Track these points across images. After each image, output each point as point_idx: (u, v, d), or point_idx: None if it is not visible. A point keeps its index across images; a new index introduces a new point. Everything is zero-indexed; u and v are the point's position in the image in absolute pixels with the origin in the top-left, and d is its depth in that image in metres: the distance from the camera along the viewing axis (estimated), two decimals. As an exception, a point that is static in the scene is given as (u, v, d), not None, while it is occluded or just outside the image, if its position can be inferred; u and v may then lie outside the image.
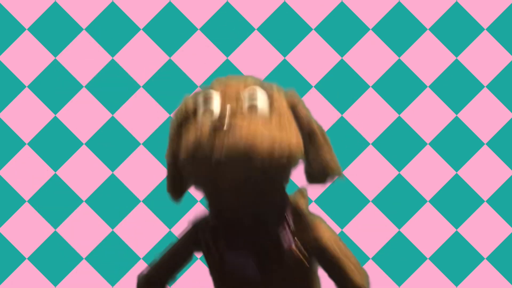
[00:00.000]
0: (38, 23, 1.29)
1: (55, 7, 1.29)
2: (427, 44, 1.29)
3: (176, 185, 0.83)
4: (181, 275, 1.26)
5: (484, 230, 1.27)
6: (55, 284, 1.28)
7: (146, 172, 1.28)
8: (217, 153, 0.71)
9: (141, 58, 1.29)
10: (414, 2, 1.29)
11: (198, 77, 1.29)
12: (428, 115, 1.28)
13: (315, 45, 1.29)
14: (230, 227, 0.79)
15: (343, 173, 0.80)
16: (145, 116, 1.29)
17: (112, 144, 1.29)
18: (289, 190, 0.86)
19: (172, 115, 0.84)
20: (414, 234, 1.27)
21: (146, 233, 1.28)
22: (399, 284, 1.27)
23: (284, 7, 1.29)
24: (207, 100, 0.77)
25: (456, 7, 1.29)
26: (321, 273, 0.87)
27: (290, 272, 0.79)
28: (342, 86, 1.29)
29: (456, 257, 1.27)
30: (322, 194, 1.28)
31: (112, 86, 1.29)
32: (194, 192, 1.29)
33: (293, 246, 0.78)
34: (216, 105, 0.76)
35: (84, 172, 1.28)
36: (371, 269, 1.28)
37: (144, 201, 1.28)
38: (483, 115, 1.28)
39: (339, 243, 0.81)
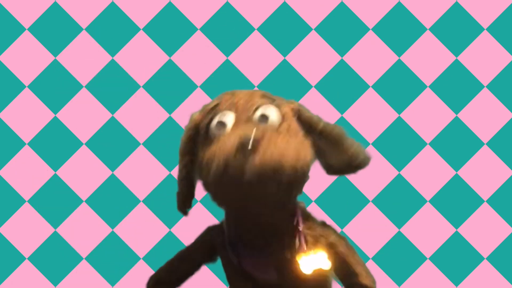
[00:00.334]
0: (38, 23, 1.29)
1: (55, 7, 1.29)
2: (427, 44, 1.29)
3: (187, 201, 0.83)
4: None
5: (484, 230, 1.27)
6: (55, 284, 1.28)
7: (146, 172, 1.28)
8: (248, 173, 0.71)
9: (141, 58, 1.29)
10: (414, 2, 1.29)
11: (198, 77, 1.29)
12: (428, 115, 1.28)
13: (315, 45, 1.29)
14: (247, 233, 0.81)
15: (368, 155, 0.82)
16: (145, 116, 1.29)
17: (112, 144, 1.29)
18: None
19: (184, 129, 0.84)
20: (414, 234, 1.27)
21: (146, 233, 1.28)
22: (399, 284, 1.27)
23: (284, 7, 1.29)
24: (221, 116, 0.77)
25: (456, 7, 1.29)
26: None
27: (304, 274, 0.80)
28: (342, 86, 1.29)
29: (456, 257, 1.27)
30: (322, 194, 1.28)
31: (112, 86, 1.29)
32: (197, 194, 1.29)
33: (307, 246, 0.80)
34: (230, 121, 0.77)
35: (84, 172, 1.28)
36: (371, 269, 1.28)
37: (144, 201, 1.28)
38: (483, 115, 1.28)
39: (347, 243, 0.84)
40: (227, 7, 1.29)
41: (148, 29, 1.29)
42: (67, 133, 1.29)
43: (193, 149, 0.81)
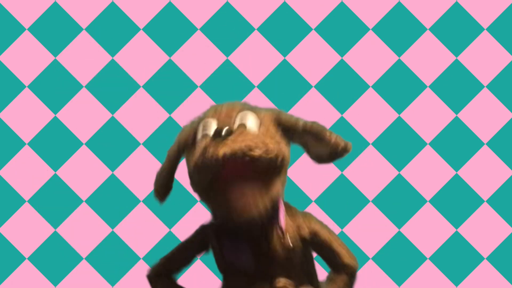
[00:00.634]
0: (38, 23, 1.29)
1: (55, 7, 1.29)
2: (427, 44, 1.29)
3: (166, 191, 0.94)
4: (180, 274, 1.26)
5: (484, 230, 1.27)
6: (55, 284, 1.28)
7: (146, 172, 1.28)
8: (221, 153, 0.80)
9: (141, 58, 1.29)
10: (414, 2, 1.29)
11: (198, 77, 1.29)
12: (428, 115, 1.28)
13: (315, 45, 1.29)
14: (229, 224, 0.87)
15: (349, 146, 0.88)
16: (145, 116, 1.29)
17: (112, 144, 1.29)
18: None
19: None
20: (414, 234, 1.27)
21: (146, 233, 1.28)
22: (399, 284, 1.27)
23: (284, 7, 1.29)
24: (205, 126, 0.86)
25: (456, 7, 1.29)
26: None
27: (284, 260, 0.87)
28: (342, 86, 1.29)
29: (456, 257, 1.27)
30: (322, 194, 1.28)
31: (112, 86, 1.29)
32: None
33: (285, 236, 0.87)
34: (213, 129, 0.85)
35: (84, 172, 1.28)
36: (371, 269, 1.28)
37: (144, 201, 1.28)
38: (483, 115, 1.28)
39: (329, 229, 0.90)
40: (227, 7, 1.29)
41: (148, 29, 1.29)
42: (67, 133, 1.29)
43: (184, 156, 0.90)
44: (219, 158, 0.80)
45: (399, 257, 1.27)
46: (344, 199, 1.28)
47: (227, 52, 1.29)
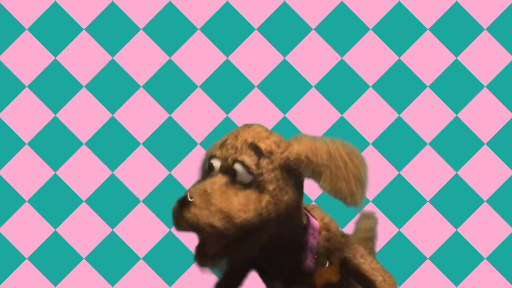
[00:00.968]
0: (38, 23, 1.29)
1: (55, 7, 1.29)
2: (427, 44, 1.29)
3: None
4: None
5: (484, 230, 1.28)
6: (55, 284, 1.28)
7: (146, 172, 1.28)
8: (180, 223, 0.81)
9: (141, 58, 1.29)
10: (414, 2, 1.29)
11: (198, 77, 1.29)
12: (428, 115, 1.28)
13: (315, 45, 1.29)
14: (265, 250, 0.88)
15: (360, 202, 0.88)
16: (145, 116, 1.29)
17: (112, 144, 1.29)
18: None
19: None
20: (414, 234, 1.28)
21: (146, 233, 1.28)
22: (399, 284, 1.27)
23: (284, 7, 1.29)
24: (213, 161, 0.86)
25: (456, 7, 1.29)
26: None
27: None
28: (342, 86, 1.29)
29: (456, 257, 1.27)
30: (322, 194, 1.28)
31: (112, 86, 1.29)
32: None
33: (312, 266, 0.89)
34: (217, 166, 0.85)
35: (84, 172, 1.28)
36: (371, 269, 1.28)
37: (144, 201, 1.28)
38: (483, 115, 1.28)
39: (363, 252, 0.91)
40: (227, 7, 1.29)
41: (148, 29, 1.29)
42: (67, 133, 1.29)
43: None
44: (181, 229, 0.82)
45: (399, 257, 1.27)
46: (344, 199, 1.28)
47: (227, 52, 1.29)
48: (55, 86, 1.29)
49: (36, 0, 1.29)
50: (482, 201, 1.28)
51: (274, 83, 1.29)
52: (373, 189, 1.28)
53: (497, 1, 1.29)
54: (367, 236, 1.02)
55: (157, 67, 1.29)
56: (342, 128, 1.28)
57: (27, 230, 1.28)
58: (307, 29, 1.29)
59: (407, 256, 1.28)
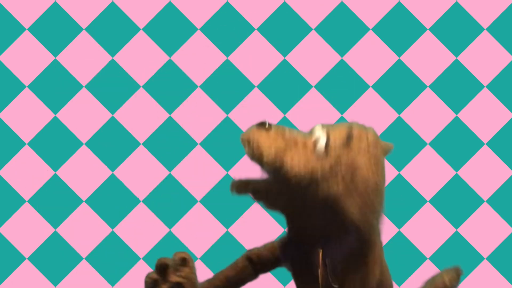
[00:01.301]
0: (38, 23, 1.29)
1: (55, 7, 1.29)
2: (427, 44, 1.29)
3: None
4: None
5: (484, 230, 1.27)
6: (55, 284, 1.28)
7: (146, 172, 1.28)
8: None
9: (141, 58, 1.29)
10: (414, 2, 1.29)
11: (198, 77, 1.29)
12: (428, 115, 1.28)
13: (315, 45, 1.29)
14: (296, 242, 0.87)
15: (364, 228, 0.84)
16: (145, 116, 1.29)
17: (112, 144, 1.29)
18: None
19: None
20: (414, 234, 1.27)
21: (146, 233, 1.28)
22: (399, 284, 1.27)
23: (284, 7, 1.29)
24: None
25: (456, 7, 1.29)
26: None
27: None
28: (342, 86, 1.29)
29: (456, 257, 1.27)
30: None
31: (112, 86, 1.29)
32: (197, 194, 1.30)
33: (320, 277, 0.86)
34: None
35: (84, 172, 1.28)
36: (371, 269, 1.28)
37: (144, 201, 1.28)
38: (483, 115, 1.28)
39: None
40: (227, 7, 1.29)
41: (148, 29, 1.29)
42: (67, 133, 1.29)
43: None
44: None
45: (399, 257, 1.27)
46: (344, 199, 1.28)
47: (227, 52, 1.29)
48: (55, 86, 1.29)
49: (36, 0, 1.29)
50: (482, 201, 1.28)
51: (274, 83, 1.29)
52: (373, 189, 1.28)
53: (497, 1, 1.29)
54: None
55: (157, 67, 1.29)
56: (342, 128, 1.28)
57: (27, 230, 1.28)
58: (307, 29, 1.29)
59: (407, 256, 1.28)
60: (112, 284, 1.28)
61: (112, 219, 1.28)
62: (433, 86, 1.29)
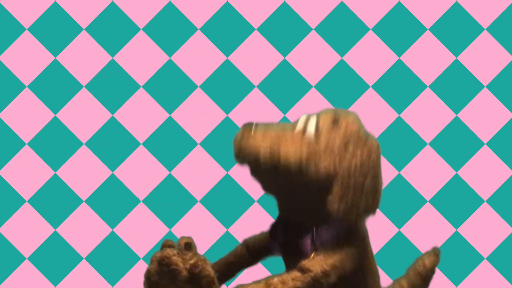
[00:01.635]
0: (38, 23, 1.29)
1: (55, 7, 1.29)
2: (427, 44, 1.29)
3: None
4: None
5: (484, 230, 1.27)
6: (55, 284, 1.28)
7: (146, 172, 1.28)
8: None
9: (141, 58, 1.29)
10: (414, 2, 1.29)
11: (198, 77, 1.29)
12: (428, 115, 1.28)
13: (315, 45, 1.29)
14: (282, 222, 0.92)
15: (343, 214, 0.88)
16: (145, 116, 1.29)
17: (112, 144, 1.29)
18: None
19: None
20: (414, 234, 1.28)
21: (146, 233, 1.28)
22: (399, 284, 1.27)
23: (284, 7, 1.29)
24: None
25: (456, 7, 1.29)
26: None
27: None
28: (342, 86, 1.29)
29: (456, 257, 1.27)
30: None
31: (112, 86, 1.29)
32: (197, 194, 1.30)
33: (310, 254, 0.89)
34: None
35: (84, 172, 1.28)
36: (371, 269, 1.28)
37: (144, 201, 1.28)
38: (483, 115, 1.28)
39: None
40: (227, 7, 1.29)
41: (148, 29, 1.29)
42: (67, 133, 1.29)
43: None
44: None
45: (399, 257, 1.27)
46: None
47: (227, 52, 1.29)
48: (55, 86, 1.29)
49: (36, 0, 1.29)
50: (482, 201, 1.28)
51: (274, 83, 1.29)
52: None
53: (497, 1, 1.29)
54: (422, 276, 0.98)
55: (157, 67, 1.29)
56: (342, 128, 1.28)
57: (27, 230, 1.28)
58: (307, 29, 1.29)
59: (407, 256, 1.27)
60: (112, 284, 1.28)
61: (112, 219, 1.28)
62: (433, 86, 1.29)
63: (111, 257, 1.28)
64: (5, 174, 1.28)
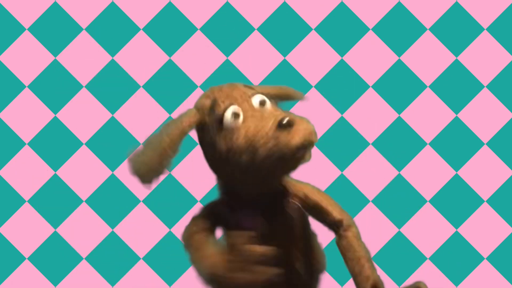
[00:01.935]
0: (38, 23, 1.29)
1: (55, 7, 1.29)
2: (427, 44, 1.29)
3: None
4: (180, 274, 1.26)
5: (484, 230, 1.27)
6: (55, 284, 1.28)
7: (146, 172, 1.28)
8: (296, 143, 0.85)
9: (141, 58, 1.29)
10: (414, 2, 1.29)
11: (198, 77, 1.29)
12: (428, 115, 1.28)
13: (315, 45, 1.29)
14: (240, 198, 0.94)
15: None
16: (145, 116, 1.29)
17: (112, 144, 1.29)
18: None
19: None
20: (414, 234, 1.28)
21: (146, 233, 1.28)
22: (399, 284, 1.27)
23: (284, 7, 1.29)
24: (233, 109, 0.90)
25: (456, 7, 1.29)
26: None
27: (292, 223, 0.93)
28: (342, 86, 1.29)
29: (456, 257, 1.27)
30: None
31: (112, 86, 1.29)
32: (197, 194, 1.29)
33: (292, 200, 0.93)
34: (239, 111, 0.90)
35: (84, 172, 1.28)
36: (371, 269, 1.28)
37: (144, 201, 1.28)
38: (483, 115, 1.28)
39: (320, 191, 0.96)
40: (227, 7, 1.29)
41: (148, 29, 1.29)
42: (67, 133, 1.29)
43: (183, 137, 0.95)
44: (293, 147, 0.84)
45: (399, 257, 1.27)
46: (344, 199, 1.28)
47: (227, 52, 1.29)
48: (55, 86, 1.29)
49: (36, 0, 1.29)
50: (482, 201, 1.28)
51: (274, 83, 1.29)
52: (373, 189, 1.28)
53: (497, 1, 1.29)
54: None
55: (157, 67, 1.29)
56: (342, 128, 1.28)
57: (27, 230, 1.28)
58: (307, 29, 1.29)
59: (407, 256, 1.28)
60: (112, 284, 1.28)
61: (112, 219, 1.28)
62: (433, 86, 1.29)
63: (111, 257, 1.28)
64: (5, 174, 1.28)
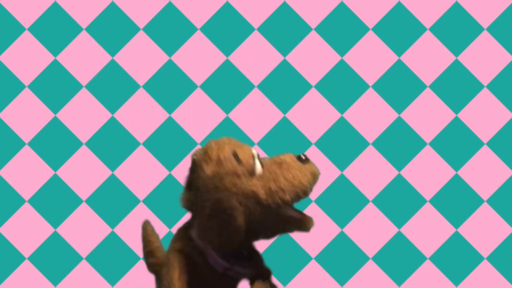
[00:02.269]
0: (38, 23, 1.29)
1: (55, 7, 1.29)
2: (427, 44, 1.29)
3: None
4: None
5: (484, 230, 1.27)
6: (55, 284, 1.28)
7: (146, 172, 1.28)
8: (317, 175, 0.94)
9: (141, 58, 1.29)
10: (414, 2, 1.29)
11: (198, 77, 1.29)
12: (428, 115, 1.28)
13: (315, 45, 1.29)
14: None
15: None
16: (145, 116, 1.29)
17: (112, 144, 1.29)
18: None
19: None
20: (414, 234, 1.27)
21: (146, 233, 1.28)
22: (399, 284, 1.27)
23: (284, 7, 1.29)
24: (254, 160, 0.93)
25: (456, 7, 1.29)
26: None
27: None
28: (342, 86, 1.29)
29: (456, 257, 1.27)
30: (322, 194, 1.28)
31: (112, 86, 1.29)
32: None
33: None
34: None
35: (84, 172, 1.28)
36: (371, 269, 1.28)
37: (144, 201, 1.28)
38: (483, 115, 1.28)
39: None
40: (227, 7, 1.29)
41: (148, 29, 1.29)
42: (67, 133, 1.29)
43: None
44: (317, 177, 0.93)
45: (399, 257, 1.27)
46: (344, 199, 1.28)
47: (227, 52, 1.29)
48: (55, 86, 1.29)
49: (36, 0, 1.29)
50: (482, 201, 1.28)
51: (274, 83, 1.29)
52: (373, 189, 1.28)
53: (497, 1, 1.29)
54: None
55: (157, 67, 1.29)
56: (342, 128, 1.28)
57: (27, 230, 1.28)
58: (307, 29, 1.29)
59: (407, 256, 1.28)
60: (112, 284, 1.28)
61: (112, 219, 1.28)
62: (433, 86, 1.29)
63: (111, 257, 1.28)
64: (5, 174, 1.28)
